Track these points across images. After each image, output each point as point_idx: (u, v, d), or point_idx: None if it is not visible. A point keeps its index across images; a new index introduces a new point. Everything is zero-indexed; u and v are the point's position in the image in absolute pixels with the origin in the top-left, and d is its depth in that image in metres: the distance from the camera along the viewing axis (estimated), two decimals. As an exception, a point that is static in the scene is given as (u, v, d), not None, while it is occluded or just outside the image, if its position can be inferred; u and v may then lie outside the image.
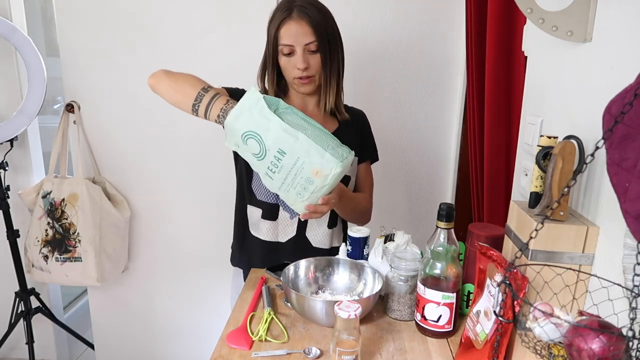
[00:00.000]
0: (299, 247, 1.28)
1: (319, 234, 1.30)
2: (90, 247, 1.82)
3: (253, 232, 1.30)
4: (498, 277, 0.80)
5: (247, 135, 1.01)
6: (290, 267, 1.09)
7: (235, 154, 1.30)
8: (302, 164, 0.99)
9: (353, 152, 1.03)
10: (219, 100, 1.05)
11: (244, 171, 1.28)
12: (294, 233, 1.28)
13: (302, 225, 1.28)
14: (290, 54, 1.16)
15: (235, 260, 1.36)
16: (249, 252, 1.32)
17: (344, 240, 1.33)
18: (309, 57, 1.17)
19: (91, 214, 1.81)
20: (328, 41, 1.19)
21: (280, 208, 1.27)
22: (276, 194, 1.25)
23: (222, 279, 1.98)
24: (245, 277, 1.29)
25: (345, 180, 1.28)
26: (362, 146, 1.31)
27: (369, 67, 1.80)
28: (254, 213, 1.29)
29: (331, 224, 1.31)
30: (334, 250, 1.31)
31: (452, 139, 1.86)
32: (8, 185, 1.93)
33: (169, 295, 2.06)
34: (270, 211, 1.27)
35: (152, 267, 2.04)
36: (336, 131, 1.28)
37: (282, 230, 1.28)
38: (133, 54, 1.82)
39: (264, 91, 1.25)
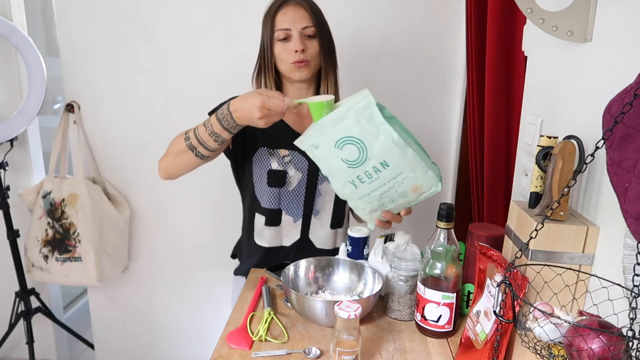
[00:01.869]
0: (303, 249, 1.28)
1: (321, 235, 1.29)
2: (90, 247, 1.82)
3: (257, 241, 1.29)
4: (498, 277, 0.80)
5: (346, 141, 0.92)
6: (290, 267, 1.09)
7: (235, 163, 1.28)
8: (404, 178, 0.95)
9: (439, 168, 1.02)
10: (199, 126, 1.07)
11: (248, 179, 1.26)
12: (298, 236, 1.28)
13: (305, 228, 1.28)
14: (286, 39, 1.15)
15: (242, 271, 1.34)
16: (253, 261, 1.30)
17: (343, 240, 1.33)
18: (305, 41, 1.16)
19: (91, 214, 1.81)
20: (324, 29, 1.19)
21: (283, 212, 1.26)
22: (278, 200, 1.24)
23: (222, 278, 1.98)
24: None
25: None
26: None
27: (369, 67, 1.80)
28: (258, 221, 1.28)
29: (334, 225, 1.30)
30: (336, 251, 1.31)
31: (452, 139, 1.86)
32: (8, 185, 1.93)
33: (169, 295, 2.06)
34: (273, 217, 1.26)
35: (152, 267, 2.04)
36: None
37: (286, 235, 1.28)
38: (133, 54, 1.82)
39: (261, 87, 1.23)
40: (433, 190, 0.98)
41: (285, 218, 1.26)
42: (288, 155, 1.23)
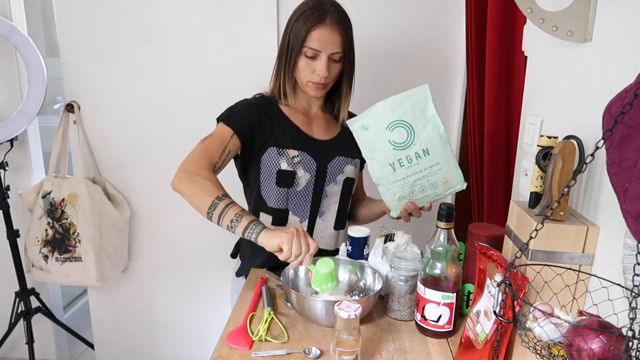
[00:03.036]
0: None
1: (325, 236, 1.29)
2: (90, 247, 1.82)
3: None
4: (498, 277, 0.80)
5: (398, 124, 1.05)
6: (291, 267, 1.09)
7: (243, 162, 1.27)
8: (438, 169, 1.07)
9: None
10: (231, 210, 1.03)
11: (255, 178, 1.26)
12: None
13: (310, 229, 1.28)
14: (314, 57, 1.16)
15: (244, 272, 1.32)
16: (258, 262, 1.29)
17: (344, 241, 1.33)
18: (330, 65, 1.17)
19: (91, 214, 1.81)
20: (351, 53, 1.21)
21: (290, 212, 1.26)
22: (286, 200, 1.24)
23: (222, 278, 1.98)
24: None
25: (349, 182, 1.28)
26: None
27: (369, 67, 1.80)
28: (263, 220, 1.26)
29: (337, 226, 1.30)
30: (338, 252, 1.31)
31: (452, 139, 1.86)
32: (8, 185, 1.93)
33: (169, 295, 2.06)
34: (280, 217, 1.25)
35: (152, 267, 2.04)
36: (339, 136, 1.29)
37: None
38: (133, 54, 1.82)
39: (279, 87, 1.24)
40: (459, 187, 1.11)
41: (292, 218, 1.26)
42: (297, 155, 1.23)
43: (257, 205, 1.28)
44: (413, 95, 1.06)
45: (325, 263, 1.00)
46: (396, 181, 1.09)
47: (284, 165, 1.22)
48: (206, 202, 1.05)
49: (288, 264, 1.09)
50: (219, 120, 1.23)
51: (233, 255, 1.41)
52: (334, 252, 1.31)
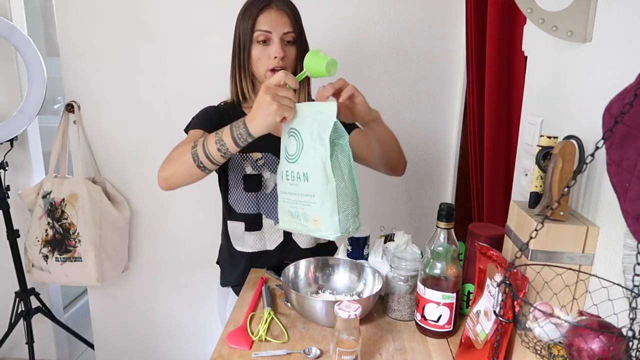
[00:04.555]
0: (288, 251, 1.26)
1: (304, 235, 1.26)
2: (90, 247, 1.82)
3: (238, 248, 1.26)
4: (498, 277, 0.80)
5: (293, 133, 0.95)
6: (290, 267, 1.09)
7: (218, 173, 1.26)
8: (311, 204, 0.94)
9: (360, 228, 0.99)
10: (208, 138, 0.99)
11: (225, 186, 1.25)
12: (281, 238, 1.26)
13: (287, 231, 1.25)
14: (266, 42, 1.14)
15: (228, 282, 1.30)
16: (236, 270, 1.27)
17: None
18: (284, 48, 1.15)
19: (91, 213, 1.81)
20: (302, 37, 1.19)
21: (263, 216, 1.23)
22: (257, 204, 1.22)
23: (222, 279, 1.98)
24: (237, 293, 1.24)
25: None
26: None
27: (369, 67, 1.80)
28: (236, 228, 1.25)
29: None
30: (320, 248, 1.30)
31: (452, 139, 1.86)
32: (8, 185, 1.93)
33: (169, 295, 2.06)
34: (254, 222, 1.23)
35: (153, 267, 2.04)
36: None
37: (268, 238, 1.25)
38: (133, 54, 1.82)
39: (238, 90, 1.21)
40: (327, 235, 0.95)
41: (267, 222, 1.24)
42: (261, 158, 1.21)
43: (225, 214, 1.26)
44: (318, 110, 0.92)
45: (311, 56, 0.95)
46: (282, 192, 1.00)
47: (249, 170, 1.20)
48: (188, 157, 1.00)
49: (288, 264, 1.09)
50: (187, 130, 1.20)
51: (218, 262, 1.39)
52: (316, 250, 1.28)
